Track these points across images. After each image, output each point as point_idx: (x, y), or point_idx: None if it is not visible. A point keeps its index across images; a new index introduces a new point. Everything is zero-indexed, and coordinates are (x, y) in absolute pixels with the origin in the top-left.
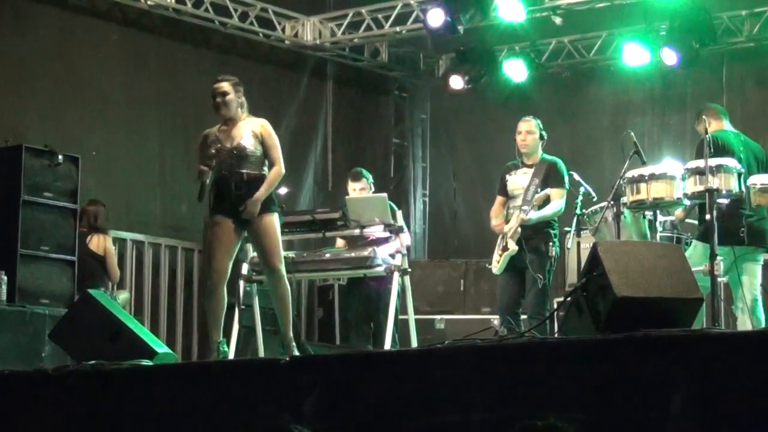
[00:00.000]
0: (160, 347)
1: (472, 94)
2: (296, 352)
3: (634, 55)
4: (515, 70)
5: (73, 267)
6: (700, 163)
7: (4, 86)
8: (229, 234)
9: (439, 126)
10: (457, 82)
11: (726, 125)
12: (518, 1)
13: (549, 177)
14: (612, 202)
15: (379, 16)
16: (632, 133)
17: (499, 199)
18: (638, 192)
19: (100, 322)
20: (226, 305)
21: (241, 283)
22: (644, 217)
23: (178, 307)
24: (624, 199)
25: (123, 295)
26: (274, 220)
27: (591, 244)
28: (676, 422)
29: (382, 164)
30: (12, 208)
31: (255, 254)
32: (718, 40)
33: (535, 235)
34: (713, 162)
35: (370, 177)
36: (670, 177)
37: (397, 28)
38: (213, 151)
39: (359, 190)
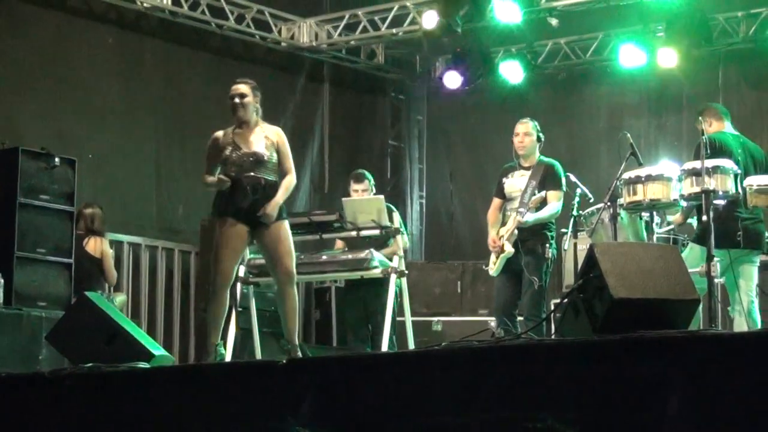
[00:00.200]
0: (157, 350)
1: (468, 96)
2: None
3: (630, 56)
4: (512, 72)
5: (70, 269)
6: (696, 164)
7: (1, 88)
8: (239, 238)
9: (435, 128)
10: (452, 80)
11: (726, 126)
12: (514, 3)
13: (546, 179)
14: (609, 204)
15: (376, 18)
16: (629, 135)
17: (496, 201)
18: (635, 193)
19: (97, 325)
20: (227, 309)
21: (238, 285)
22: (641, 219)
23: (174, 310)
24: (621, 201)
25: (120, 298)
26: (287, 226)
27: (588, 246)
28: (673, 423)
29: (379, 166)
30: (8, 210)
31: (252, 257)
32: (714, 42)
33: (531, 236)
34: (710, 163)
35: (372, 179)
36: (666, 178)
37: (394, 30)
38: (229, 154)
39: (361, 191)
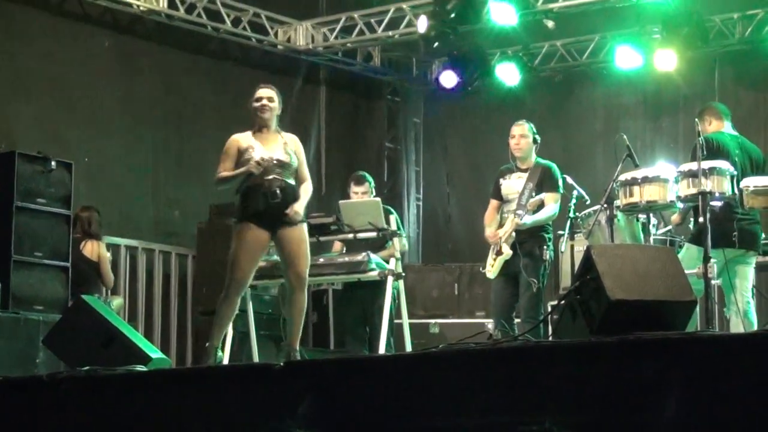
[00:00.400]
0: (155, 353)
1: (465, 98)
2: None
3: (626, 58)
4: (508, 74)
5: (67, 273)
6: (692, 165)
7: None
8: (258, 244)
9: (432, 130)
10: (448, 80)
11: (726, 126)
12: (510, 5)
13: (543, 181)
14: (605, 206)
15: (372, 20)
16: (625, 137)
17: (493, 203)
18: (631, 195)
19: (94, 328)
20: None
21: None
22: (637, 220)
23: (172, 313)
24: (617, 202)
25: (117, 301)
26: (306, 229)
27: (584, 248)
28: (671, 425)
29: (376, 168)
30: (5, 214)
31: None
32: (711, 43)
33: (529, 239)
34: (706, 165)
35: (372, 181)
36: (663, 180)
37: (390, 33)
38: (253, 155)
39: (361, 193)
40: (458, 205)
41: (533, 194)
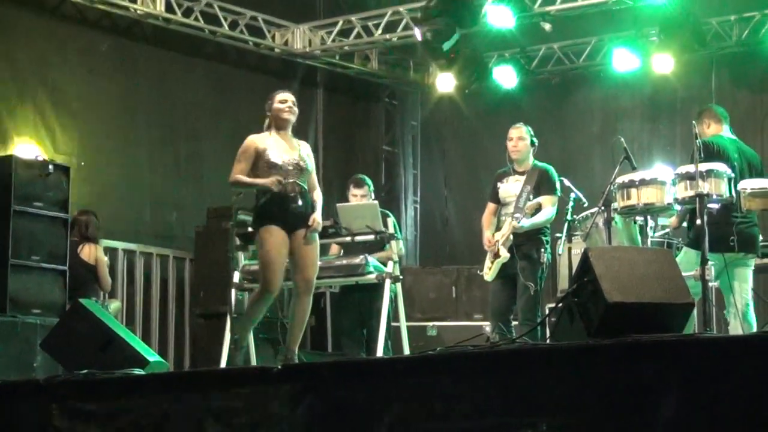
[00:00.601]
0: (152, 356)
1: (462, 101)
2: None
3: (623, 60)
4: (505, 77)
5: (65, 276)
6: (690, 168)
7: None
8: (285, 244)
9: (429, 133)
10: (445, 84)
11: (724, 129)
12: (507, 8)
13: (541, 184)
14: (603, 208)
15: (369, 23)
16: (622, 139)
17: (491, 206)
18: (629, 197)
19: (91, 332)
20: None
21: (233, 291)
22: (635, 223)
23: (169, 316)
24: (615, 205)
25: (114, 304)
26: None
27: (582, 250)
28: (669, 427)
29: (373, 172)
30: (3, 218)
31: (247, 263)
32: (708, 45)
33: (526, 241)
34: (703, 167)
35: (372, 184)
36: (660, 182)
37: (387, 36)
38: (273, 159)
39: (360, 196)
40: (456, 208)
41: (531, 197)
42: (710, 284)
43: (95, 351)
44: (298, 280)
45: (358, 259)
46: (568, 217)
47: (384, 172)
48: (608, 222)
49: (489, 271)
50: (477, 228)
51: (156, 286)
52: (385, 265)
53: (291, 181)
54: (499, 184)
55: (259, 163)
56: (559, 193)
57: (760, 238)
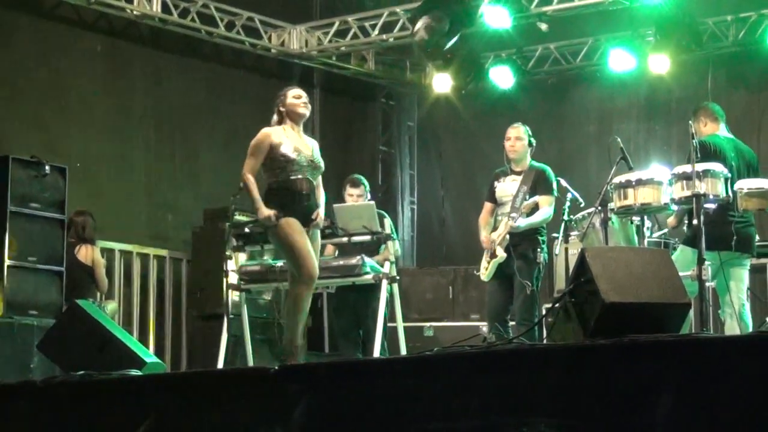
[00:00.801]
0: (149, 357)
1: (459, 101)
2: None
3: (620, 61)
4: (502, 77)
5: (61, 278)
6: (686, 168)
7: None
8: (305, 234)
9: (426, 133)
10: (442, 84)
11: (721, 129)
12: (504, 8)
13: (537, 184)
14: (599, 208)
15: (366, 24)
16: (619, 139)
17: (488, 206)
18: (625, 197)
19: (88, 333)
20: None
21: (230, 292)
22: (632, 223)
23: (166, 317)
24: (611, 205)
25: (111, 306)
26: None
27: (579, 250)
28: (666, 427)
29: (370, 172)
30: None
31: (244, 264)
32: (704, 46)
33: (523, 241)
34: (700, 167)
35: (368, 184)
36: (657, 182)
37: (384, 36)
38: (289, 154)
39: (357, 196)
40: (452, 208)
41: (527, 197)
42: (706, 284)
43: (92, 352)
44: (306, 278)
45: (354, 260)
46: (565, 217)
47: (381, 173)
48: (605, 222)
49: (486, 272)
50: (474, 228)
51: (153, 287)
52: (382, 266)
53: (302, 177)
54: (496, 184)
55: (273, 156)
56: (556, 193)
57: (757, 238)
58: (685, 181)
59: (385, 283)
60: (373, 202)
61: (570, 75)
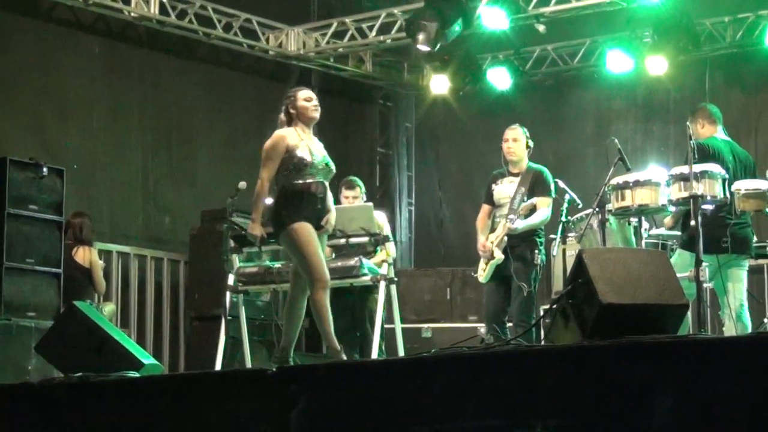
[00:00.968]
0: (147, 359)
1: (456, 103)
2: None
3: (617, 62)
4: (499, 78)
5: (59, 279)
6: (684, 169)
7: None
8: (317, 239)
9: (424, 135)
10: (439, 86)
11: (718, 131)
12: (501, 9)
13: (535, 186)
14: (597, 209)
15: (363, 25)
16: (616, 140)
17: (485, 207)
18: (623, 199)
19: (86, 334)
20: None
21: (228, 293)
22: (629, 224)
23: (164, 319)
24: (609, 206)
25: (109, 307)
26: None
27: (576, 251)
28: (664, 428)
29: (368, 174)
30: None
31: (242, 266)
32: (701, 47)
33: (521, 243)
34: (697, 168)
35: (363, 186)
36: (654, 183)
37: (381, 38)
38: (306, 158)
39: (352, 198)
40: (450, 210)
41: (525, 198)
42: (704, 285)
43: (90, 354)
44: (317, 282)
45: (352, 261)
46: (563, 218)
47: (378, 174)
48: (603, 223)
49: (483, 273)
50: (471, 230)
51: (150, 288)
52: (379, 267)
53: (318, 181)
54: (493, 186)
55: (288, 159)
56: (553, 195)
57: (755, 239)
58: (682, 183)
59: (383, 284)
60: (371, 204)
61: (567, 76)
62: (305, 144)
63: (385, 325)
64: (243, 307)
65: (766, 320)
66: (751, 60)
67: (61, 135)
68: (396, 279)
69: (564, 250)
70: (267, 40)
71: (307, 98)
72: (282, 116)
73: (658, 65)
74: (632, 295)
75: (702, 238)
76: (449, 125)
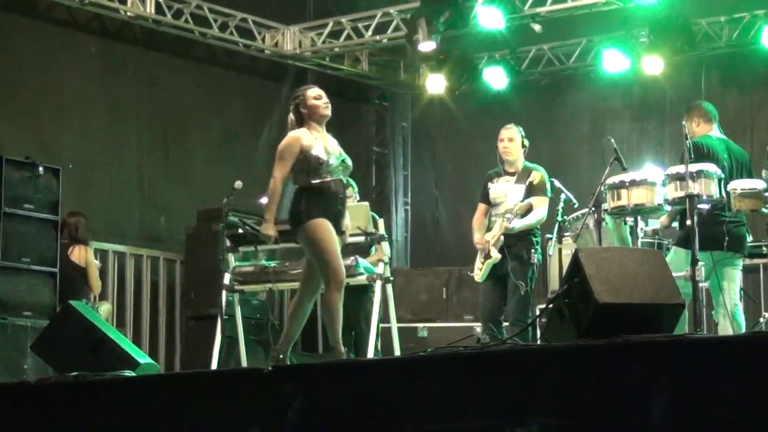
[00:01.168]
0: (143, 358)
1: (452, 102)
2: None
3: (613, 61)
4: (495, 78)
5: (55, 279)
6: (680, 168)
7: None
8: (336, 236)
9: (420, 134)
10: (435, 85)
11: (714, 129)
12: (497, 9)
13: (531, 185)
14: (593, 209)
15: (359, 25)
16: (612, 140)
17: (481, 207)
18: (619, 198)
19: (82, 334)
20: None
21: (223, 293)
22: (625, 224)
23: (160, 318)
24: (605, 206)
25: (105, 307)
26: None
27: (572, 251)
28: (660, 427)
29: (364, 173)
30: None
31: (238, 265)
32: (697, 46)
33: (517, 242)
34: (693, 167)
35: (356, 186)
36: (650, 183)
37: (378, 37)
38: (322, 157)
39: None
40: (446, 209)
41: (522, 198)
42: (700, 285)
43: (86, 353)
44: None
45: (348, 261)
46: (559, 217)
47: (375, 174)
48: (599, 223)
49: (479, 272)
50: (467, 229)
51: (146, 288)
52: (375, 266)
53: (337, 179)
54: (489, 185)
55: (303, 159)
56: (550, 194)
57: (749, 238)
58: (678, 182)
59: (379, 283)
60: (366, 203)
61: (563, 76)
62: (320, 143)
63: (381, 325)
64: (239, 307)
65: (761, 319)
66: (747, 60)
67: (58, 134)
68: (392, 278)
69: (560, 250)
70: (263, 39)
71: (317, 96)
72: (291, 117)
73: (654, 65)
74: (628, 295)
75: (698, 235)
76: (445, 125)
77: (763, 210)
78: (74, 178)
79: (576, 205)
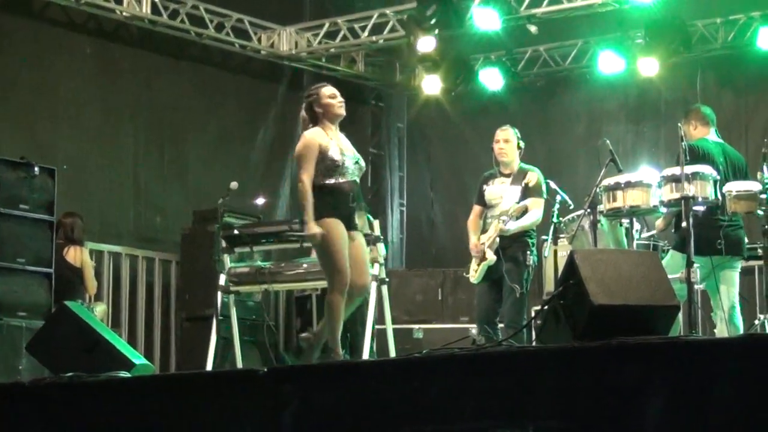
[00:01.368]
0: (138, 359)
1: (448, 103)
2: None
3: (609, 63)
4: (491, 79)
5: (50, 279)
6: (676, 170)
7: None
8: (347, 238)
9: (415, 135)
10: (431, 86)
11: (711, 133)
12: (493, 10)
13: (527, 187)
14: (588, 210)
15: (356, 26)
16: (608, 141)
17: (477, 208)
18: (614, 200)
19: (77, 334)
20: None
21: (219, 294)
22: (621, 225)
23: (155, 319)
24: (600, 207)
25: (100, 307)
26: None
27: (568, 252)
28: (655, 430)
29: None
30: None
31: (233, 266)
32: (693, 48)
33: (512, 244)
34: (689, 169)
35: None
36: (646, 185)
37: (374, 38)
38: (338, 158)
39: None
40: (442, 211)
41: (518, 200)
42: (696, 287)
43: (81, 354)
44: (351, 285)
45: None
46: (554, 219)
47: (370, 175)
48: (594, 224)
49: (475, 274)
50: (463, 230)
51: (142, 288)
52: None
53: (349, 180)
54: (485, 187)
55: (320, 161)
56: (545, 196)
57: (746, 240)
58: (674, 184)
59: (374, 284)
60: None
61: (559, 77)
62: (335, 144)
63: (376, 326)
64: (234, 308)
65: (757, 321)
66: (743, 61)
67: (53, 134)
68: (387, 279)
69: (555, 251)
70: (259, 40)
71: (331, 95)
72: (304, 115)
73: (649, 66)
74: (623, 297)
75: (695, 239)
76: (441, 126)
77: (759, 212)
78: (70, 179)
79: (571, 207)
